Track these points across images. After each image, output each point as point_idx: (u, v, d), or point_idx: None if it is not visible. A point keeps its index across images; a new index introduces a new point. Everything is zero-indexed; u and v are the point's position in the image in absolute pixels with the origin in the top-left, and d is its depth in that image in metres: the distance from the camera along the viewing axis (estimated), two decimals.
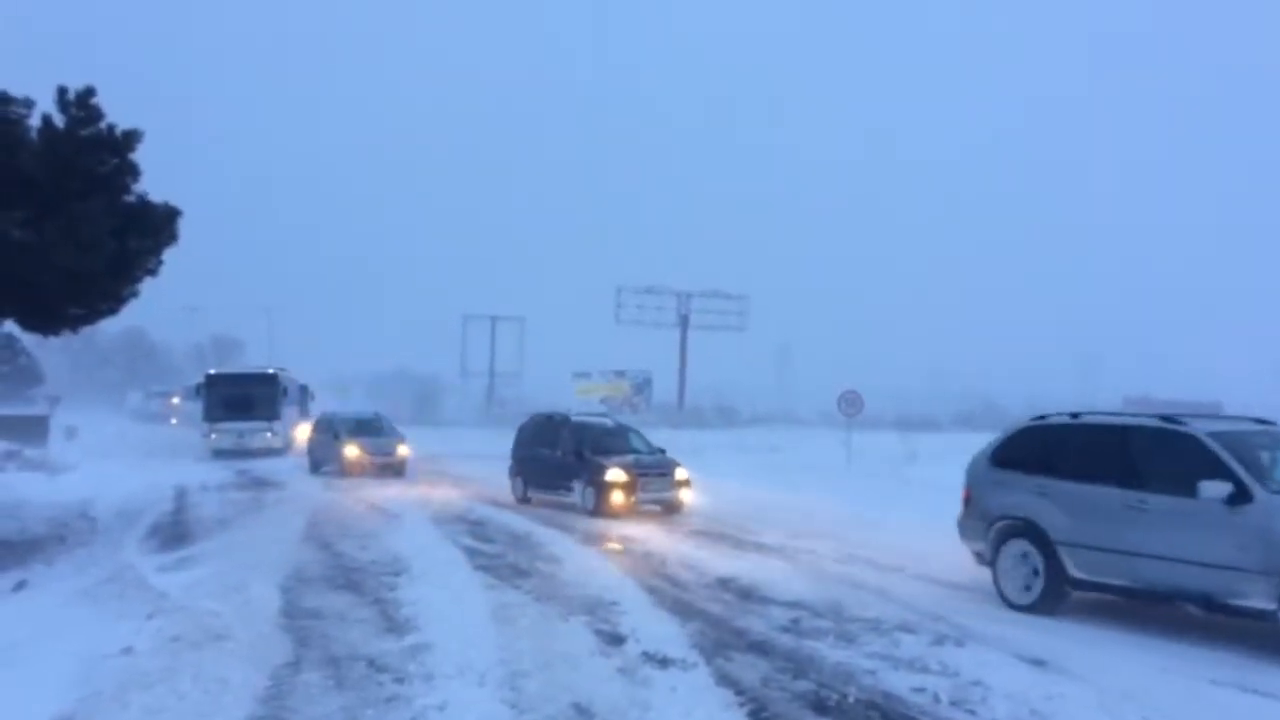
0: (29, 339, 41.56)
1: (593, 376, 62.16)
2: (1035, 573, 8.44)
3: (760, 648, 7.06)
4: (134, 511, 15.86)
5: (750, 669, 6.49)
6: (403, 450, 23.37)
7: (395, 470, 22.82)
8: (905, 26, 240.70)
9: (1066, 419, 8.89)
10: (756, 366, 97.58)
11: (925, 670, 6.49)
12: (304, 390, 34.32)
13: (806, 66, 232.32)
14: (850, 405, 25.31)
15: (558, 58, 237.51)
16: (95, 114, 12.90)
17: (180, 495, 18.50)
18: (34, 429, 29.19)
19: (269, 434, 29.58)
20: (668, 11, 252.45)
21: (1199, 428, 7.80)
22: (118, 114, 13.12)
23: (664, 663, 6.56)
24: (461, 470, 24.15)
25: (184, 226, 14.07)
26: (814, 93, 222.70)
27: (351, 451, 22.80)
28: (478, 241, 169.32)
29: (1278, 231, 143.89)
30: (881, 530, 13.61)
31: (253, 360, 53.94)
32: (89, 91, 12.84)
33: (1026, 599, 8.48)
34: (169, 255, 14.25)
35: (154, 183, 13.74)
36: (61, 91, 12.75)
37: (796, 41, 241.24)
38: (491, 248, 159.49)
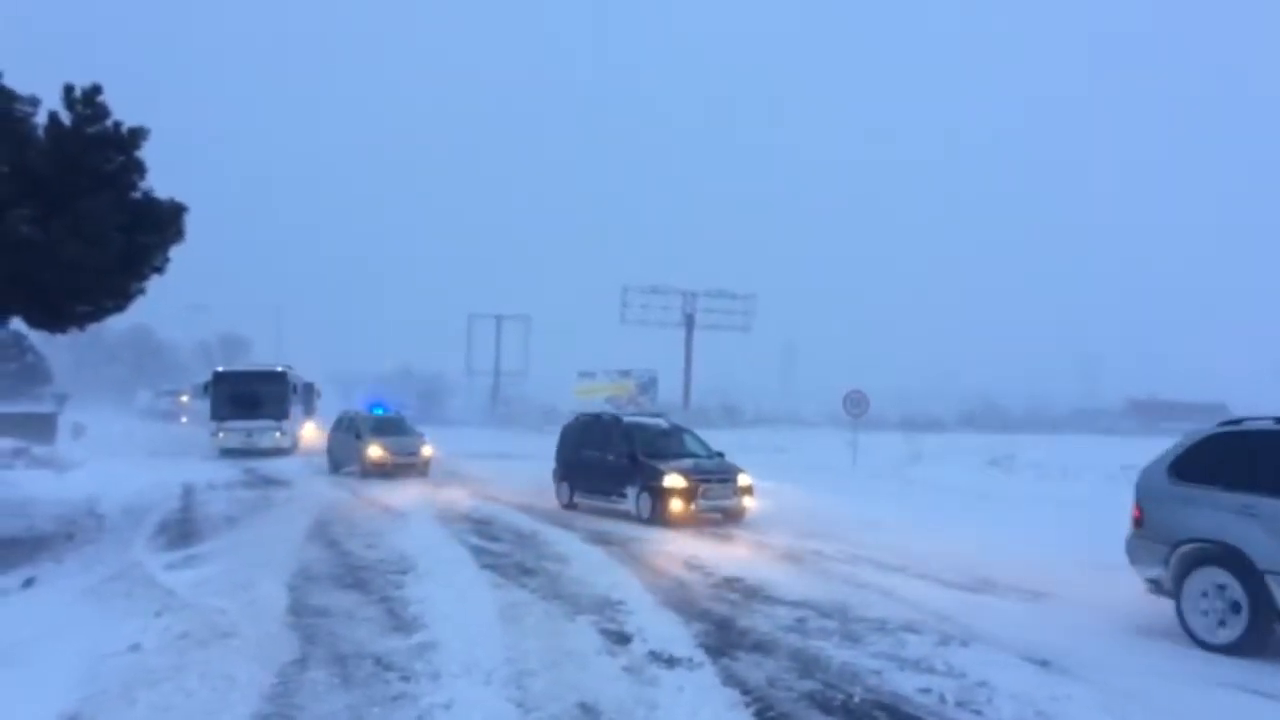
0: (36, 337, 41.73)
1: (597, 376, 62.22)
2: (1235, 607, 7.18)
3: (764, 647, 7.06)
4: (141, 509, 15.90)
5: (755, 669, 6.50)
6: (426, 450, 22.90)
7: (419, 471, 22.28)
8: (905, 26, 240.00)
9: (1271, 424, 7.56)
10: (761, 366, 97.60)
11: (931, 671, 6.50)
12: (309, 388, 34.16)
13: (806, 66, 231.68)
14: (856, 405, 25.27)
15: (558, 58, 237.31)
16: (101, 111, 12.92)
17: (188, 493, 18.55)
18: (42, 426, 29.29)
19: (278, 433, 29.28)
20: (668, 11, 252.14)
21: None
22: (121, 114, 13.14)
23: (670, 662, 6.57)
24: (474, 470, 23.96)
25: (188, 225, 14.10)
26: (814, 93, 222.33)
27: (375, 452, 22.15)
28: (480, 241, 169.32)
29: (1278, 231, 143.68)
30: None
31: (260, 358, 53.96)
32: (95, 89, 12.85)
33: (1223, 637, 7.22)
34: (175, 253, 14.27)
35: (157, 182, 13.78)
36: (68, 89, 12.77)
37: (796, 41, 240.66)
38: (494, 247, 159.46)
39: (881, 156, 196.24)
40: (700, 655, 6.76)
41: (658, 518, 14.13)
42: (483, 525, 13.97)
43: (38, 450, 24.90)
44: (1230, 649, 7.14)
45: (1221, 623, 7.29)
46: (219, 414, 29.27)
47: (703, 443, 16.11)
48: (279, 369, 31.21)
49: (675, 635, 7.35)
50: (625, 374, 60.72)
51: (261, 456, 27.94)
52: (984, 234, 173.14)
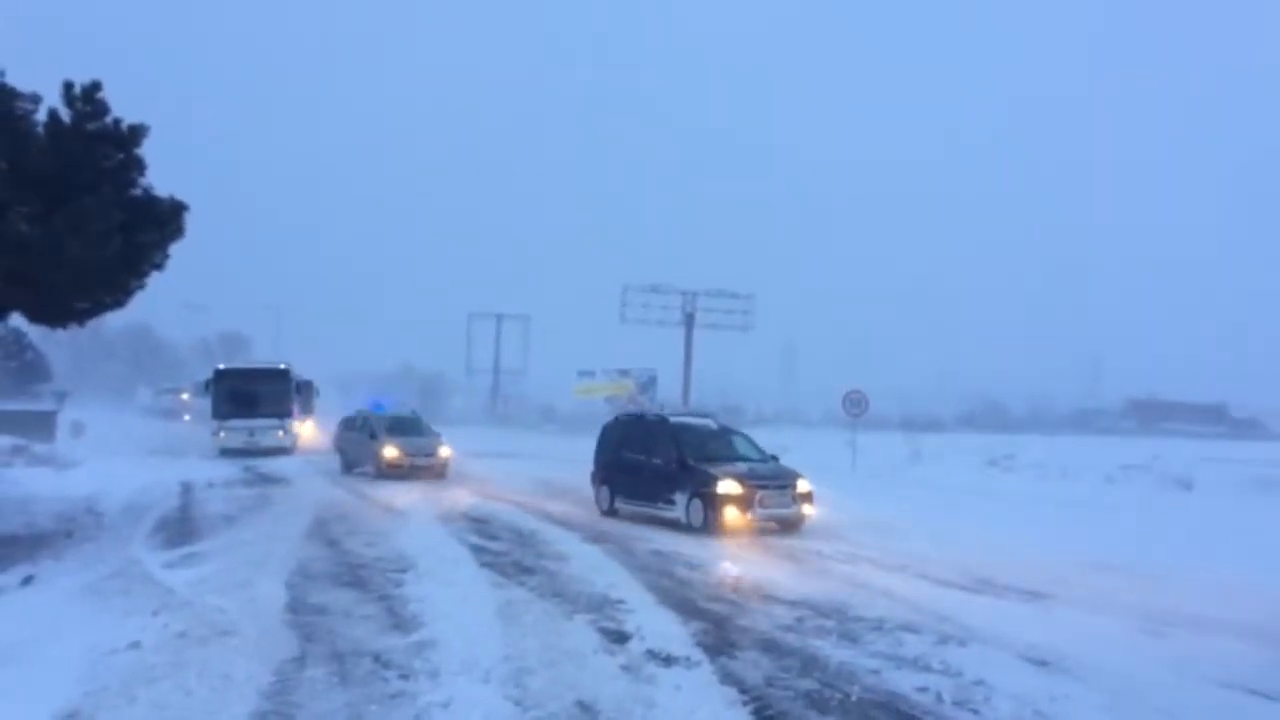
0: (35, 334, 41.75)
1: (597, 375, 62.22)
2: None
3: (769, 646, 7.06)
4: (141, 507, 15.89)
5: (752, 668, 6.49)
6: (444, 451, 22.08)
7: (436, 472, 21.42)
8: (905, 26, 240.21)
9: None
10: (761, 366, 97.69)
11: (928, 670, 6.49)
12: (308, 386, 34.03)
13: (807, 66, 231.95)
14: (856, 405, 25.27)
15: (558, 58, 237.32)
16: (101, 108, 12.91)
17: (187, 492, 18.54)
18: (41, 424, 29.35)
19: (280, 432, 29.05)
20: (668, 11, 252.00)
21: None
22: (121, 113, 13.12)
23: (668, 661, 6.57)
24: (479, 470, 23.44)
25: (188, 223, 14.09)
26: (814, 93, 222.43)
27: (390, 452, 21.34)
28: (481, 240, 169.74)
29: (1278, 231, 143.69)
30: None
31: (260, 357, 53.90)
32: (95, 86, 12.83)
33: None
34: (174, 251, 14.26)
35: (157, 182, 13.76)
36: (68, 86, 12.75)
37: (796, 41, 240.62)
38: (494, 247, 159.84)
39: (881, 156, 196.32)
40: (698, 654, 6.75)
41: (711, 527, 13.13)
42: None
43: (37, 448, 24.93)
44: None
45: None
46: (220, 412, 29.02)
47: (755, 445, 15.06)
48: (282, 366, 30.98)
49: (673, 633, 7.35)
50: (625, 373, 60.70)
51: (262, 455, 27.78)
52: (984, 234, 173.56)
